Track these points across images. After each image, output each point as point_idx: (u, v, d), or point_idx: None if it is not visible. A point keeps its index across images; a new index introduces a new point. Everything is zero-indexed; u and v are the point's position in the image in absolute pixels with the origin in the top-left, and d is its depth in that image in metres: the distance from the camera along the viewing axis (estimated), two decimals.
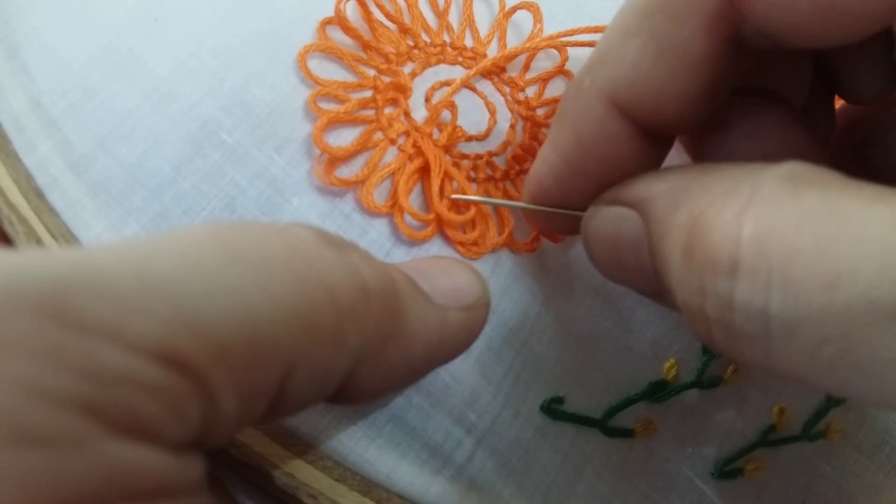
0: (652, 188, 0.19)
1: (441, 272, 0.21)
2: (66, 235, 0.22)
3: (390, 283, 0.18)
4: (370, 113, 0.26)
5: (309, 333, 0.15)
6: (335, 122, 0.24)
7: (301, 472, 0.22)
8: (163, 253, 0.13)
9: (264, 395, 0.14)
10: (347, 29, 0.26)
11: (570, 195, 0.22)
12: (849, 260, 0.14)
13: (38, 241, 0.22)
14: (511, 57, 0.28)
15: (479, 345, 0.24)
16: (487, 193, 0.26)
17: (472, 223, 0.25)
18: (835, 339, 0.14)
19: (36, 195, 0.22)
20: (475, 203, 0.25)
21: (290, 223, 0.17)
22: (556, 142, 0.21)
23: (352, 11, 0.26)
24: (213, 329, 0.13)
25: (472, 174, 0.26)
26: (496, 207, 0.26)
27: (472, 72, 0.27)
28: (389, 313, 0.17)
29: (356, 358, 0.16)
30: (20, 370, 0.10)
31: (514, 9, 0.29)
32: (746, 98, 0.22)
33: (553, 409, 0.25)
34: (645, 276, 0.19)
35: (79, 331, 0.11)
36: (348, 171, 0.24)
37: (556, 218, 0.23)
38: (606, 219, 0.20)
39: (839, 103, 0.24)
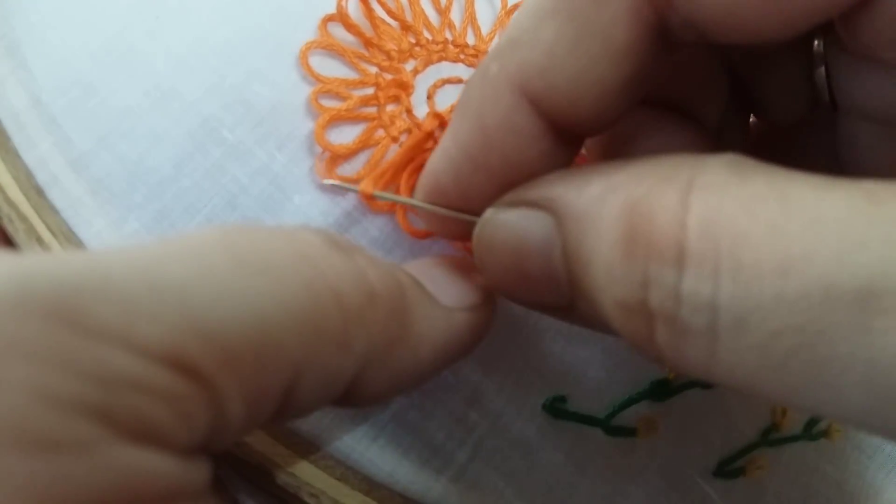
0: (566, 184, 0.17)
1: (446, 273, 0.20)
2: (66, 233, 0.22)
3: (397, 286, 0.17)
4: (372, 110, 0.25)
5: (316, 338, 0.15)
6: (337, 120, 0.24)
7: (303, 472, 0.22)
8: (172, 258, 0.13)
9: (271, 400, 0.14)
10: (349, 26, 0.26)
11: (469, 194, 0.19)
12: (803, 243, 0.13)
13: (38, 239, 0.22)
14: None
15: (481, 343, 0.24)
16: None
17: None
18: (788, 332, 0.13)
19: (36, 192, 0.22)
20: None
21: (298, 227, 0.17)
22: (457, 133, 0.19)
23: (353, 8, 0.26)
24: (221, 334, 0.13)
25: None
26: None
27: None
28: (396, 317, 0.17)
29: (363, 362, 0.16)
30: (30, 375, 0.10)
31: (517, 6, 0.28)
32: (659, 112, 0.20)
33: (556, 408, 0.25)
34: (553, 286, 0.18)
35: (88, 336, 0.11)
36: (350, 169, 0.24)
37: (453, 222, 0.20)
38: (507, 223, 0.18)
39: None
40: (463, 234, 0.20)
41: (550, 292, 0.18)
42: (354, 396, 0.17)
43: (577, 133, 0.19)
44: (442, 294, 0.19)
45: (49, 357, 0.11)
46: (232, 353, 0.13)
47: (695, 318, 0.14)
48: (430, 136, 0.25)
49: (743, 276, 0.13)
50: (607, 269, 0.15)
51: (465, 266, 0.21)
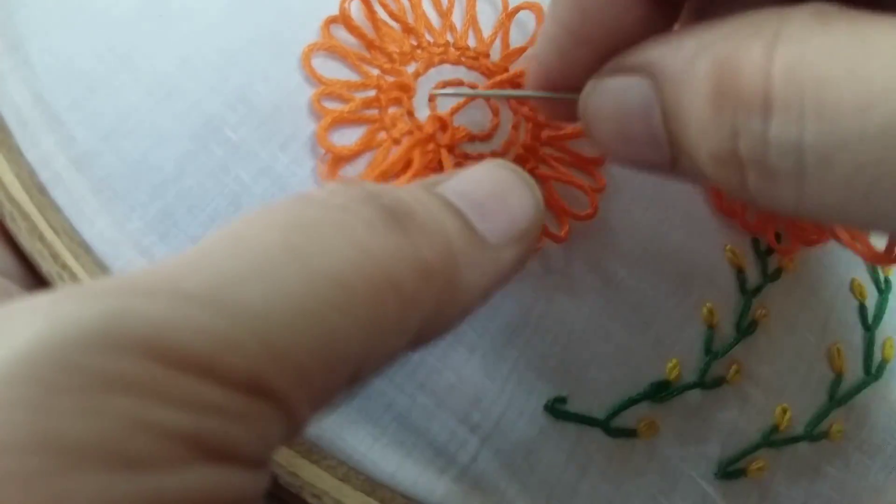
0: (662, 48, 0.18)
1: (497, 199, 0.19)
2: (68, 231, 0.22)
3: (449, 254, 0.17)
4: (374, 112, 0.26)
5: (376, 335, 0.15)
6: (339, 122, 0.24)
7: (305, 472, 0.22)
8: (247, 278, 0.14)
9: (334, 394, 0.15)
10: (352, 28, 0.26)
11: (574, 70, 0.20)
12: (882, 80, 0.13)
13: (41, 238, 0.22)
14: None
15: (482, 344, 0.24)
16: None
17: None
18: (871, 165, 0.14)
19: (38, 191, 0.22)
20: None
21: (352, 195, 0.17)
22: (555, 12, 0.20)
23: (356, 10, 0.26)
24: (294, 356, 0.13)
25: None
26: None
27: (489, 83, 0.27)
28: (448, 284, 0.17)
29: (417, 332, 0.17)
30: (127, 405, 0.12)
31: (518, 9, 0.29)
32: None
33: (556, 408, 0.25)
34: (655, 147, 0.19)
35: (177, 368, 0.12)
36: (352, 171, 0.24)
37: (559, 104, 0.21)
38: (610, 91, 0.19)
39: None
40: (568, 114, 0.21)
41: (653, 152, 0.19)
42: (407, 350, 0.18)
43: None
44: (490, 227, 0.19)
45: (144, 390, 0.12)
46: (304, 370, 0.14)
47: (783, 161, 0.15)
48: (432, 139, 0.25)
49: (826, 116, 0.14)
50: (700, 125, 0.16)
51: (513, 184, 0.20)
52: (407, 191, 0.18)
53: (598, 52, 0.19)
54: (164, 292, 0.13)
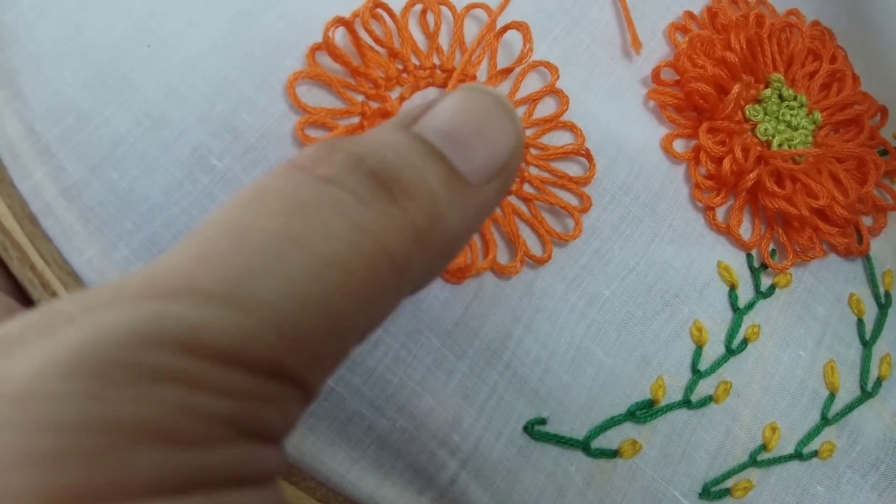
0: None
1: (477, 133, 0.19)
2: (58, 261, 0.23)
3: (435, 212, 0.18)
4: None
5: (376, 307, 0.17)
6: None
7: (285, 493, 0.23)
8: (258, 272, 0.15)
9: (343, 359, 0.17)
10: (336, 55, 0.26)
11: None
12: None
13: (32, 267, 0.23)
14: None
15: (461, 367, 0.25)
16: None
17: None
18: None
19: (29, 221, 0.23)
20: None
21: (342, 163, 0.17)
22: None
23: (342, 35, 0.27)
24: (307, 341, 0.15)
25: None
26: (481, 231, 0.26)
27: None
28: (435, 240, 0.18)
29: (413, 287, 0.18)
30: (172, 394, 0.13)
31: (505, 29, 0.28)
32: None
33: (536, 430, 0.25)
34: None
35: (210, 361, 0.14)
36: None
37: None
38: None
39: None
40: None
41: None
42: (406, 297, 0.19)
43: None
44: (472, 165, 0.19)
45: (184, 380, 0.13)
46: (316, 352, 0.15)
47: None
48: None
49: None
50: None
51: (493, 114, 0.20)
52: (388, 144, 0.18)
53: None
54: (186, 293, 0.14)
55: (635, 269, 0.28)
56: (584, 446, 0.26)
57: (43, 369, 0.13)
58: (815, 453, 0.29)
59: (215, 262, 0.15)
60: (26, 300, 0.23)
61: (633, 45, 0.31)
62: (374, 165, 0.17)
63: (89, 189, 0.23)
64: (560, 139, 0.29)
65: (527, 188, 0.27)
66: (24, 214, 0.23)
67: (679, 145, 0.30)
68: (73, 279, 0.23)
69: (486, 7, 0.29)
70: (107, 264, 0.23)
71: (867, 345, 0.31)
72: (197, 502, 0.13)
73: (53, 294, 0.23)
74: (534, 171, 0.28)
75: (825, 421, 0.29)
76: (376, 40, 0.27)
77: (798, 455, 0.29)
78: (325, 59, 0.26)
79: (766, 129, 0.30)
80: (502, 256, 0.26)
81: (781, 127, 0.31)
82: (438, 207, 0.18)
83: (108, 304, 0.14)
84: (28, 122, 0.24)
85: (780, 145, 0.30)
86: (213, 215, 0.16)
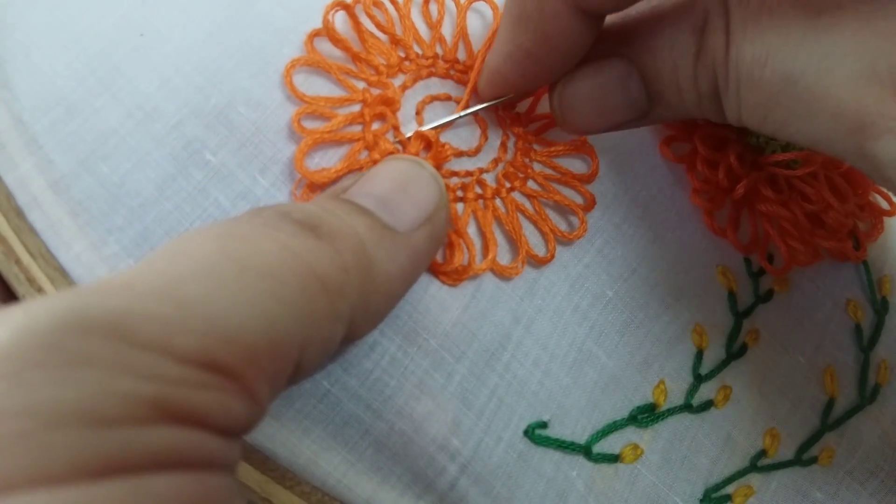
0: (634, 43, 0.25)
1: (401, 190, 0.22)
2: (45, 255, 0.22)
3: (362, 250, 0.19)
4: (358, 128, 0.25)
5: (312, 321, 0.18)
6: (320, 142, 0.24)
7: (279, 498, 0.22)
8: (189, 278, 0.16)
9: (285, 375, 0.17)
10: (336, 40, 0.26)
11: (526, 80, 0.26)
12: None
13: (17, 261, 0.22)
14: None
15: (460, 369, 0.24)
16: (476, 215, 0.26)
17: (451, 247, 0.24)
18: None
19: (16, 214, 0.22)
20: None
21: (274, 214, 0.19)
22: (514, 35, 0.25)
23: (342, 21, 0.26)
24: (240, 337, 0.16)
25: (460, 193, 0.26)
26: (481, 230, 0.25)
27: (474, 109, 0.27)
28: (367, 276, 0.19)
29: (349, 321, 0.19)
30: (97, 376, 0.14)
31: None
32: None
33: (536, 434, 0.24)
34: (631, 105, 0.25)
35: (137, 348, 0.14)
36: None
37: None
38: (586, 74, 0.25)
39: None
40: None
41: (629, 111, 0.25)
42: (347, 342, 0.20)
43: (597, 12, 0.24)
44: (397, 217, 0.21)
45: (110, 363, 0.14)
46: (251, 350, 0.16)
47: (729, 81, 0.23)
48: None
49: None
50: (687, 73, 0.24)
51: (414, 172, 0.23)
52: (315, 203, 0.20)
53: (546, 65, 0.25)
54: (118, 290, 0.15)
55: (637, 270, 0.28)
56: (585, 451, 0.25)
57: None
58: (814, 459, 0.29)
59: (151, 270, 0.16)
60: (11, 296, 0.23)
61: None
62: (300, 216, 0.19)
63: (78, 182, 0.23)
64: (562, 136, 0.28)
65: (531, 185, 0.27)
66: (10, 207, 0.22)
67: (676, 149, 0.30)
68: (60, 274, 0.22)
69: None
70: (96, 260, 0.22)
71: (865, 351, 0.30)
72: (117, 486, 0.13)
73: (40, 290, 0.22)
74: (537, 167, 0.27)
75: (825, 427, 0.29)
76: (378, 26, 0.26)
77: (798, 461, 0.28)
78: (323, 47, 0.26)
79: (758, 138, 0.30)
80: (504, 255, 0.26)
81: None
82: (364, 247, 0.20)
83: (44, 298, 0.15)
84: (15, 112, 0.23)
85: (773, 151, 0.30)
86: (158, 248, 0.18)
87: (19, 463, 0.12)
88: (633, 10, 0.26)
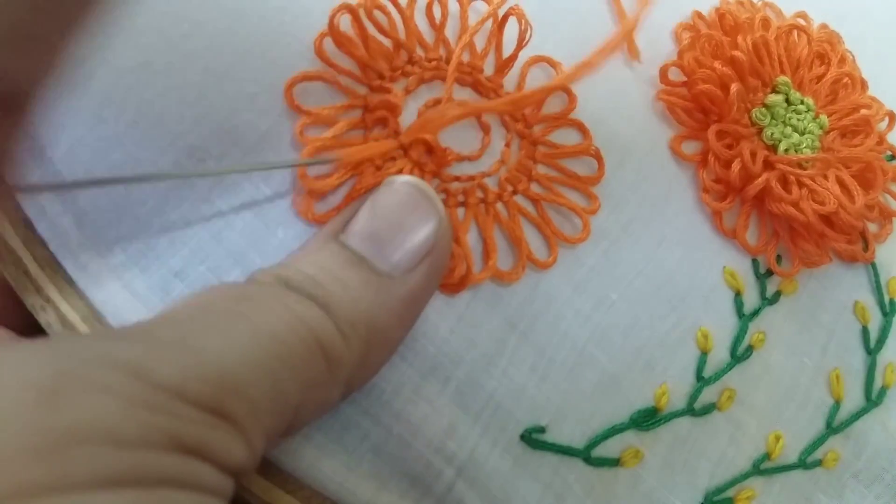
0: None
1: (395, 228, 0.22)
2: (52, 265, 0.22)
3: (360, 314, 0.21)
4: (359, 134, 0.25)
5: (311, 386, 0.19)
6: (321, 150, 0.24)
7: (280, 502, 0.22)
8: (208, 331, 0.18)
9: (279, 432, 0.19)
10: (341, 43, 0.26)
11: None
12: None
13: (26, 273, 0.22)
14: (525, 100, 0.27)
15: (457, 374, 0.24)
16: (478, 220, 0.26)
17: (451, 259, 0.25)
18: None
19: (24, 224, 0.23)
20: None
21: (272, 283, 0.20)
22: None
23: (345, 27, 0.26)
24: (247, 392, 0.17)
25: (462, 199, 0.26)
26: (482, 235, 0.26)
27: (484, 107, 0.26)
28: (365, 343, 0.21)
29: (346, 384, 0.21)
30: (119, 404, 0.15)
31: (507, 17, 0.28)
32: None
33: (533, 439, 0.25)
34: None
35: (155, 387, 0.16)
36: (334, 199, 0.24)
37: None
38: None
39: None
40: None
41: None
42: (345, 397, 0.22)
43: None
44: (393, 261, 0.22)
45: (130, 396, 0.15)
46: (255, 403, 0.18)
47: None
48: (416, 165, 0.25)
49: None
50: None
51: (412, 207, 0.23)
52: (310, 259, 0.21)
53: None
54: (142, 336, 0.17)
55: (643, 272, 0.28)
56: (584, 455, 0.25)
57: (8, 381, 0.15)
58: (819, 462, 0.29)
59: (171, 322, 0.18)
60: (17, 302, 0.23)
61: (629, 53, 0.31)
62: (298, 283, 0.20)
63: (84, 192, 0.23)
64: (567, 137, 0.28)
65: (534, 188, 0.27)
66: (19, 217, 0.23)
67: (687, 147, 0.30)
68: (68, 283, 0.23)
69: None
70: (101, 269, 0.23)
71: (872, 353, 0.30)
72: (130, 495, 0.15)
73: (48, 299, 0.22)
74: (542, 169, 0.27)
75: (830, 430, 0.29)
76: (381, 30, 0.26)
77: (802, 464, 0.28)
78: (328, 48, 0.26)
79: (772, 134, 0.30)
80: (505, 259, 0.26)
81: (788, 131, 0.30)
82: (359, 307, 0.20)
83: (74, 338, 0.17)
84: None
85: (786, 150, 0.30)
86: (177, 301, 0.20)
87: (44, 471, 0.14)
88: None
